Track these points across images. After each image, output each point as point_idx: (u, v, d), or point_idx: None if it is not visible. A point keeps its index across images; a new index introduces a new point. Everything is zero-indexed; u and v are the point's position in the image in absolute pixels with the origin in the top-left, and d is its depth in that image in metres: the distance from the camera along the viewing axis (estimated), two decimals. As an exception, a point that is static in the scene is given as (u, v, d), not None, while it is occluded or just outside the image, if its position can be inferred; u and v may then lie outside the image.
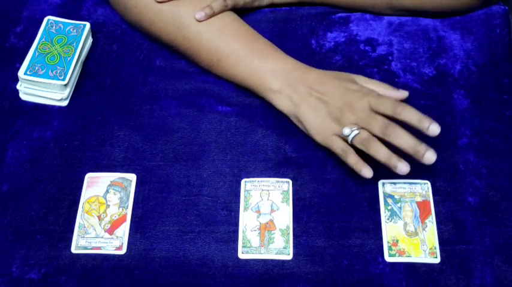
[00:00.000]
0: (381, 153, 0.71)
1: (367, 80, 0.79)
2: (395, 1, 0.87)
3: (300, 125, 0.79)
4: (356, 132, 0.73)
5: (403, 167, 0.70)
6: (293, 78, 0.78)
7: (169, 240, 0.74)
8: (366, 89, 0.76)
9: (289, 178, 0.78)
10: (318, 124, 0.76)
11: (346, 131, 0.73)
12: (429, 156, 0.69)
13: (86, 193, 0.77)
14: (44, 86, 0.82)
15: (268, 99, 0.81)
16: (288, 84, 0.78)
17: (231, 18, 0.83)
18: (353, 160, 0.73)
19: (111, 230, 0.75)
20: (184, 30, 0.82)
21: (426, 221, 0.75)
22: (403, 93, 0.78)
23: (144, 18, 0.84)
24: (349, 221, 0.75)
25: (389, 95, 0.77)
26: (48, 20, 0.87)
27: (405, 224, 0.75)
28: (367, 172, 0.72)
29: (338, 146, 0.74)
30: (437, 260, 0.72)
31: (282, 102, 0.79)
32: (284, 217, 0.76)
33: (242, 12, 0.87)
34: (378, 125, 0.72)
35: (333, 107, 0.75)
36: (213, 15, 0.81)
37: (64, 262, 0.73)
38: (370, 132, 0.72)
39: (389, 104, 0.72)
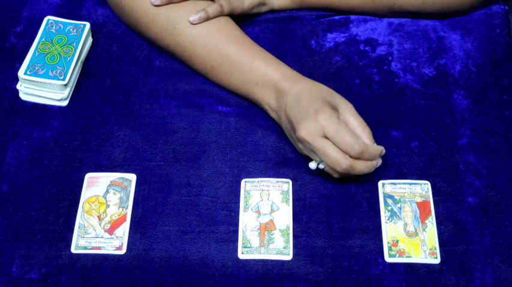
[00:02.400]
0: (363, 170, 0.74)
1: (352, 113, 0.74)
2: (396, 6, 0.87)
3: None
4: (322, 166, 0.74)
5: (379, 163, 0.74)
6: (279, 91, 0.78)
7: (169, 240, 0.74)
8: (331, 119, 0.71)
9: (289, 178, 0.78)
10: (292, 141, 0.78)
11: (312, 165, 0.74)
12: (379, 163, 0.74)
13: (86, 193, 0.77)
14: (44, 86, 0.82)
15: (263, 109, 0.82)
16: (275, 98, 0.78)
17: (224, 23, 0.82)
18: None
19: (111, 230, 0.75)
20: (178, 36, 0.82)
21: (426, 221, 0.75)
22: (378, 150, 0.73)
23: (141, 22, 0.84)
24: (349, 221, 0.75)
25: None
26: (48, 20, 0.87)
27: (405, 224, 0.75)
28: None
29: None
30: (438, 261, 0.72)
31: (272, 114, 0.81)
32: (284, 217, 0.76)
33: (241, 15, 0.87)
34: (331, 163, 0.72)
35: (297, 130, 0.74)
36: (208, 19, 0.81)
37: (64, 262, 0.73)
38: None
39: (347, 143, 0.71)
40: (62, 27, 0.87)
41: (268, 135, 0.82)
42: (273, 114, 0.80)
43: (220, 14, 0.82)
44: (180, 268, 0.73)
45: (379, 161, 0.74)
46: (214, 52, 0.81)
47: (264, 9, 0.90)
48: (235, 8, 0.84)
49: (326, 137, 0.71)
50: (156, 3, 0.81)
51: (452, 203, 0.76)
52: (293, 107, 0.75)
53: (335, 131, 0.71)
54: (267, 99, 0.79)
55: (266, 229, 0.75)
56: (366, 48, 0.88)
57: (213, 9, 0.81)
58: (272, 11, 0.91)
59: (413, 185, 0.77)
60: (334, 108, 0.73)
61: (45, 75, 0.82)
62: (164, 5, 0.82)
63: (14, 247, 0.74)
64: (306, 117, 0.72)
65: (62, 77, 0.82)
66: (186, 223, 0.75)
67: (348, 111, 0.73)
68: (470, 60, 0.87)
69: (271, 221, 0.75)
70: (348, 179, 0.77)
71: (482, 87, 0.85)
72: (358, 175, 0.74)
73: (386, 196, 0.77)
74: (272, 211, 0.76)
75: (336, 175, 0.74)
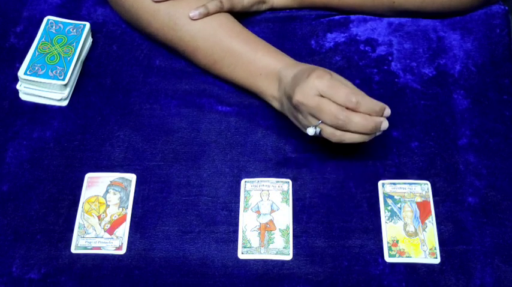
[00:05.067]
0: (356, 139, 0.70)
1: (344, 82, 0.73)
2: (396, 4, 0.87)
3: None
4: (319, 130, 0.71)
5: (385, 125, 0.71)
6: (281, 78, 0.77)
7: (169, 240, 0.74)
8: (324, 75, 0.70)
9: (289, 178, 0.78)
10: (294, 118, 0.75)
11: (310, 131, 0.72)
12: (385, 125, 0.70)
13: (86, 193, 0.77)
14: (44, 86, 0.82)
15: (266, 101, 0.81)
16: (277, 87, 0.78)
17: (225, 19, 0.83)
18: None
19: (111, 230, 0.75)
20: (179, 32, 0.82)
21: (426, 221, 0.75)
22: (377, 104, 0.70)
23: (141, 19, 0.84)
24: (349, 221, 0.75)
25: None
26: (48, 20, 0.87)
27: (405, 224, 0.75)
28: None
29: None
30: (438, 261, 0.72)
31: (276, 104, 0.80)
32: (284, 217, 0.76)
33: (242, 13, 0.87)
34: (328, 118, 0.69)
35: (294, 97, 0.72)
36: (208, 14, 0.81)
37: (64, 262, 0.73)
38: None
39: (343, 94, 0.68)
40: (62, 27, 0.87)
41: (268, 135, 0.82)
42: (275, 104, 0.80)
43: (220, 10, 0.82)
44: (180, 268, 0.73)
45: (385, 123, 0.70)
46: (217, 46, 0.81)
47: (263, 7, 0.90)
48: (235, 5, 0.84)
49: (322, 96, 0.69)
50: None
51: (452, 203, 0.76)
52: (291, 83, 0.73)
53: (328, 85, 0.69)
54: (271, 89, 0.79)
55: (266, 229, 0.75)
56: (366, 48, 0.88)
57: (213, 5, 0.81)
58: (272, 9, 0.91)
59: (413, 185, 0.77)
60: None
61: (45, 75, 0.82)
62: (164, 0, 0.82)
63: (14, 247, 0.74)
64: (300, 82, 0.71)
65: (62, 77, 0.82)
66: (186, 223, 0.75)
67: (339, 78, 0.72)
68: (470, 60, 0.87)
69: (271, 221, 0.75)
70: (348, 178, 0.77)
71: (482, 87, 0.85)
72: (359, 175, 0.74)
73: (386, 196, 0.77)
74: (272, 211, 0.76)
75: (334, 138, 0.71)
